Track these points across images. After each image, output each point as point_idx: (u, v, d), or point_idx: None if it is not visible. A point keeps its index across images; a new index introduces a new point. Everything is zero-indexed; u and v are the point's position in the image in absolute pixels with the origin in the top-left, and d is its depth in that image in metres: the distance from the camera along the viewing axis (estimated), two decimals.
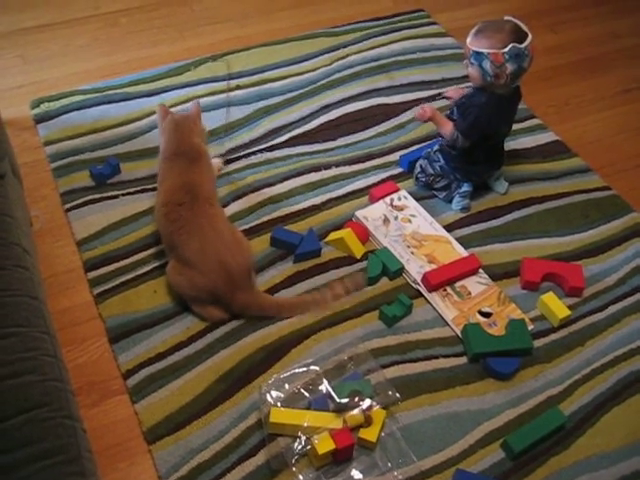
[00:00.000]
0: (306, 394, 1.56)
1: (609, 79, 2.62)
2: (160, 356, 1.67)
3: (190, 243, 1.69)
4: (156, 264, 1.85)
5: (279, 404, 1.53)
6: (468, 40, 1.86)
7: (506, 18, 1.87)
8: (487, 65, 1.83)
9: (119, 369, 1.65)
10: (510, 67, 1.82)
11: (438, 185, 2.05)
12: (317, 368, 1.61)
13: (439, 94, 2.38)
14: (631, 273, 1.95)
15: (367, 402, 1.53)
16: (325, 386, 1.58)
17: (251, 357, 1.68)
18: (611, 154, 2.32)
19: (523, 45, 1.80)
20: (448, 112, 2.02)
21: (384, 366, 1.67)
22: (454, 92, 2.20)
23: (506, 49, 1.80)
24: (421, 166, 2.06)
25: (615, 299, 1.88)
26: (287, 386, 1.57)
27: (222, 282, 1.68)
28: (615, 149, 2.34)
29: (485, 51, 1.82)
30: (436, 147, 2.06)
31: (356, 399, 1.53)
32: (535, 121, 2.37)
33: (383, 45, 2.61)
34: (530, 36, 1.82)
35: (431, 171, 2.04)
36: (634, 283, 1.92)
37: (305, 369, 1.61)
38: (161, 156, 1.88)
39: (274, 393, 1.55)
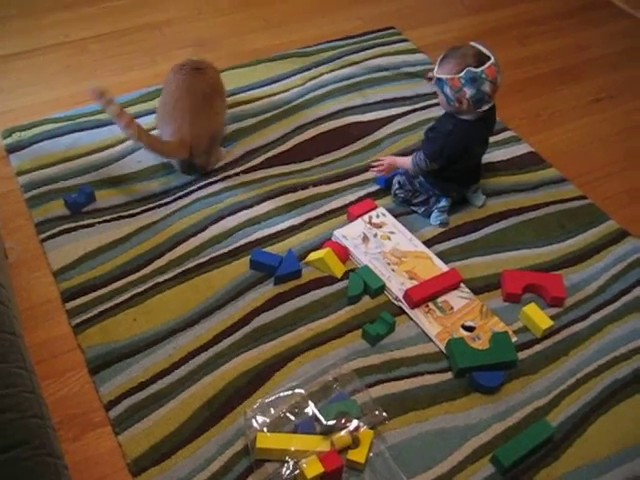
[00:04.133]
0: (292, 418, 1.54)
1: (579, 89, 2.65)
2: (142, 385, 1.65)
3: None
4: (135, 292, 1.83)
5: (265, 429, 1.51)
6: (435, 68, 1.89)
7: (471, 43, 1.87)
8: (447, 90, 1.85)
9: (100, 400, 1.62)
10: (468, 91, 1.82)
11: (417, 200, 2.05)
12: (302, 391, 1.59)
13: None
14: (611, 281, 1.96)
15: (354, 423, 1.52)
16: (311, 409, 1.56)
17: (235, 382, 1.66)
18: (585, 163, 2.34)
19: (479, 69, 1.80)
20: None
21: (369, 385, 1.66)
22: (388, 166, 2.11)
23: (461, 74, 1.81)
24: (399, 182, 2.06)
25: (596, 307, 1.89)
26: (272, 410, 1.55)
27: None
28: (589, 158, 2.36)
29: (444, 77, 1.84)
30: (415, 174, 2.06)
31: (343, 420, 1.52)
32: (509, 133, 2.39)
33: (355, 63, 2.62)
34: (492, 60, 1.82)
35: (409, 187, 2.04)
36: (614, 291, 1.94)
37: (290, 392, 1.59)
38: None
39: (259, 418, 1.52)
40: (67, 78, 2.51)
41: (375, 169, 2.10)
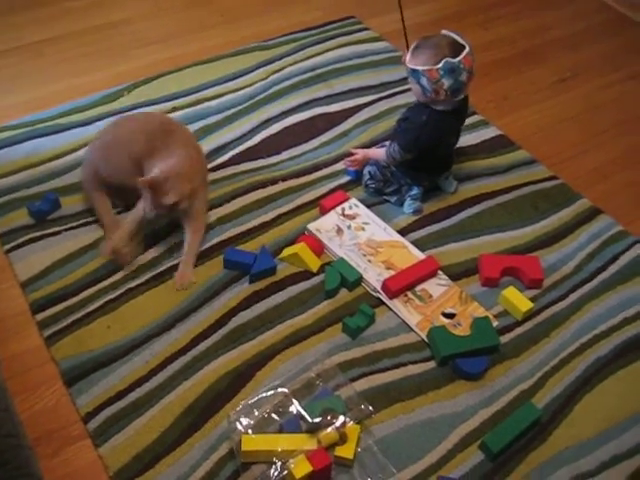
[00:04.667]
0: (276, 417, 1.51)
1: (544, 70, 2.66)
2: (120, 394, 1.60)
3: None
4: (107, 298, 1.78)
5: (250, 431, 1.47)
6: (407, 57, 1.85)
7: (443, 32, 1.86)
8: (424, 82, 1.82)
9: (78, 413, 1.57)
10: (446, 82, 1.80)
11: (388, 190, 2.03)
12: (285, 390, 1.55)
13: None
14: (586, 259, 1.96)
15: (340, 419, 1.49)
16: (295, 407, 1.53)
17: (215, 385, 1.62)
18: (554, 144, 2.34)
19: (457, 59, 1.79)
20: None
21: (353, 379, 1.64)
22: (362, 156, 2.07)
23: (440, 65, 1.79)
24: (370, 172, 2.03)
25: (574, 287, 1.89)
26: (256, 412, 1.51)
27: None
28: (557, 138, 2.36)
29: (420, 68, 1.81)
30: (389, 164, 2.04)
31: (329, 417, 1.49)
32: (477, 117, 2.38)
33: (318, 54, 2.59)
34: (467, 49, 1.81)
35: (381, 177, 2.02)
36: (591, 269, 1.94)
37: (273, 392, 1.55)
38: None
39: (243, 420, 1.49)
40: (23, 83, 2.43)
41: (349, 164, 2.07)
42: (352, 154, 2.08)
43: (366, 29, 2.74)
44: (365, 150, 2.07)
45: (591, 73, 2.66)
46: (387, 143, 2.00)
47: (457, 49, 1.81)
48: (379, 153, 2.01)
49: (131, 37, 2.65)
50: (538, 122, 2.42)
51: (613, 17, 2.99)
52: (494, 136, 2.32)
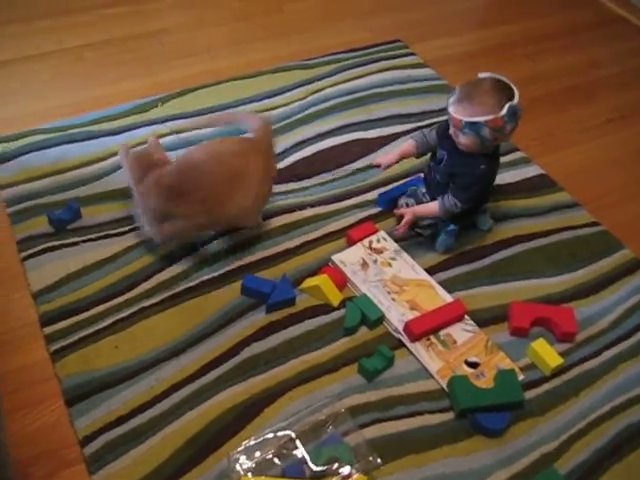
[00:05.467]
0: (278, 462, 1.42)
1: (591, 109, 2.55)
2: (121, 420, 1.53)
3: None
4: (118, 317, 1.72)
5: (249, 474, 1.39)
6: (452, 110, 1.74)
7: (482, 75, 1.77)
8: (486, 132, 1.72)
9: (76, 436, 1.51)
10: (509, 127, 1.73)
11: (423, 223, 1.94)
12: (291, 432, 1.47)
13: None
14: (625, 315, 1.84)
15: (346, 469, 1.40)
16: (300, 451, 1.44)
17: (220, 418, 1.54)
18: (598, 187, 2.23)
19: (516, 101, 1.71)
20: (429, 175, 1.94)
21: (365, 425, 1.55)
22: (381, 159, 2.00)
23: (504, 111, 1.70)
24: (407, 205, 1.95)
25: (609, 344, 1.77)
26: (258, 453, 1.43)
27: None
28: (601, 181, 2.25)
29: (481, 119, 1.71)
30: (423, 188, 1.96)
31: (334, 466, 1.40)
32: (518, 154, 2.28)
33: (359, 77, 2.52)
34: (515, 88, 1.73)
35: None
36: (628, 325, 1.82)
37: (278, 433, 1.47)
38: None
39: (244, 462, 1.41)
40: (59, 87, 2.41)
41: (399, 230, 1.91)
42: (400, 214, 1.94)
43: (412, 54, 2.67)
44: (413, 209, 1.92)
45: None
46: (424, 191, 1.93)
47: (507, 90, 1.73)
48: (429, 208, 1.88)
49: (171, 47, 2.61)
50: (582, 163, 2.31)
51: None
52: (535, 175, 2.22)
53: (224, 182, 1.74)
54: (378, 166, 2.01)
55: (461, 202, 1.81)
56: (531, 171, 2.23)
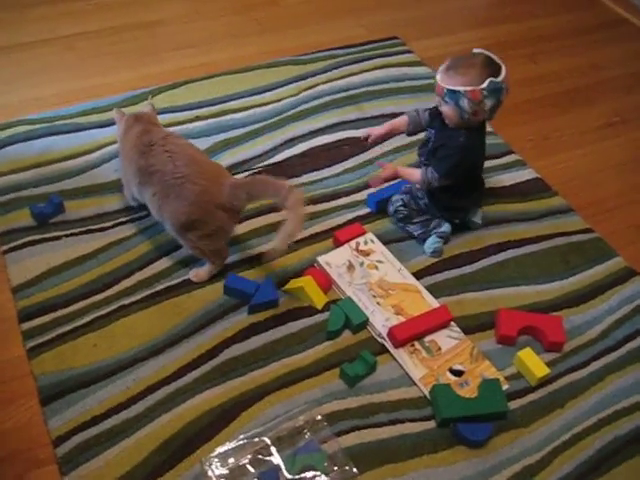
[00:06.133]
0: (252, 469, 1.39)
1: (590, 112, 2.50)
2: (96, 420, 1.50)
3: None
4: (98, 314, 1.69)
5: None
6: (439, 77, 1.74)
7: (475, 51, 1.76)
8: (464, 103, 1.71)
9: (49, 435, 1.48)
10: (489, 103, 1.71)
11: (417, 219, 1.91)
12: (267, 440, 1.44)
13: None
14: (615, 325, 1.80)
15: (322, 478, 1.37)
16: (276, 458, 1.41)
17: (196, 422, 1.51)
18: (593, 193, 2.18)
19: (500, 78, 1.69)
20: (419, 158, 1.92)
21: (343, 432, 1.51)
22: (371, 129, 1.99)
23: (484, 85, 1.68)
24: (403, 200, 1.91)
25: (598, 354, 1.74)
26: (232, 460, 1.40)
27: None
28: (597, 187, 2.21)
29: (461, 89, 1.69)
30: (417, 184, 1.92)
31: (309, 475, 1.37)
32: (513, 157, 2.24)
33: (354, 74, 2.48)
34: (504, 67, 1.71)
35: (414, 206, 1.91)
36: (618, 336, 1.78)
37: (253, 440, 1.44)
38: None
39: (216, 469, 1.38)
40: (48, 77, 2.37)
41: (376, 179, 1.96)
42: (380, 166, 1.97)
43: (408, 52, 2.63)
44: (396, 167, 1.93)
45: None
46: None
47: (494, 67, 1.71)
48: (412, 173, 1.88)
49: (164, 39, 2.57)
50: (578, 167, 2.27)
51: None
52: (530, 179, 2.17)
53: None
54: (366, 138, 1.99)
55: (438, 173, 1.79)
56: (526, 174, 2.18)
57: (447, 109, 1.75)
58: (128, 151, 1.77)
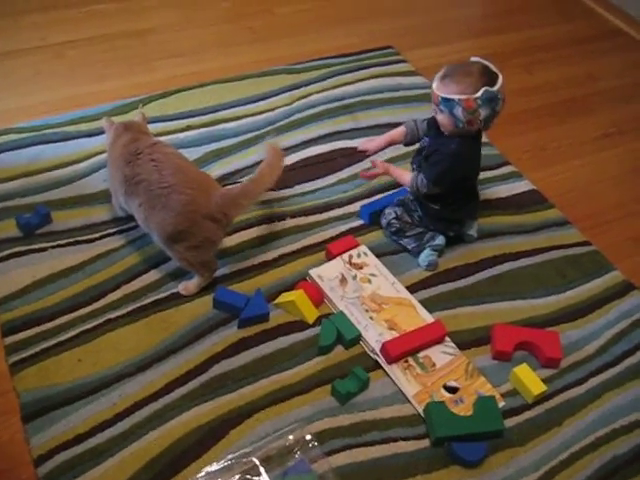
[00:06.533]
0: None
1: (588, 123, 2.47)
2: (79, 438, 1.45)
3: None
4: (83, 328, 1.65)
5: None
6: (434, 86, 1.71)
7: (473, 59, 1.73)
8: (459, 112, 1.68)
9: (30, 454, 1.43)
10: (483, 112, 1.68)
11: (410, 233, 1.87)
12: (255, 460, 1.39)
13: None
14: (613, 340, 1.76)
15: None
16: (264, 478, 1.37)
17: (183, 440, 1.46)
18: (591, 205, 2.15)
19: (496, 88, 1.66)
20: (411, 167, 1.90)
21: (335, 451, 1.47)
22: (369, 144, 1.98)
23: (478, 94, 1.65)
24: (396, 213, 1.88)
25: (596, 370, 1.70)
26: None
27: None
28: (595, 199, 2.17)
29: (456, 97, 1.67)
30: (412, 196, 1.89)
31: None
32: (509, 168, 2.20)
33: (348, 84, 2.44)
34: (501, 77, 1.68)
35: (408, 219, 1.87)
36: (616, 352, 1.74)
37: (242, 460, 1.39)
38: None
39: None
40: (38, 85, 2.34)
41: (367, 173, 1.93)
42: (372, 165, 1.94)
43: (403, 61, 2.60)
44: (388, 165, 1.91)
45: (639, 130, 2.46)
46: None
47: (492, 77, 1.68)
48: (403, 175, 1.86)
49: (155, 47, 2.54)
50: (575, 179, 2.24)
51: None
52: (526, 190, 2.14)
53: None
54: (364, 152, 1.97)
55: (427, 179, 1.77)
56: (522, 186, 2.15)
57: (442, 117, 1.73)
58: (115, 160, 1.74)
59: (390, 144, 1.96)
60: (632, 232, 2.08)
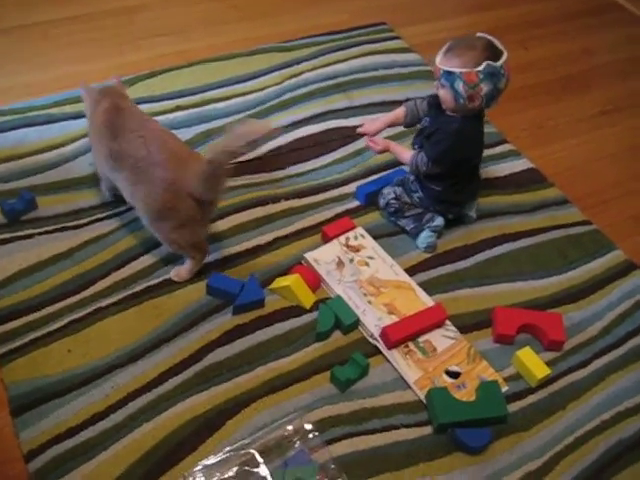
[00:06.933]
0: None
1: (585, 100, 2.43)
2: (71, 432, 1.41)
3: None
4: (72, 317, 1.59)
5: None
6: (438, 59, 1.67)
7: (478, 34, 1.68)
8: (459, 86, 1.63)
9: (20, 449, 1.38)
10: (485, 87, 1.63)
11: (409, 213, 1.82)
12: (254, 452, 1.35)
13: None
14: (616, 321, 1.73)
15: None
16: (263, 470, 1.32)
17: (178, 432, 1.42)
18: (590, 183, 2.11)
19: (498, 63, 1.62)
20: (413, 147, 1.85)
21: (335, 439, 1.43)
22: (368, 126, 1.93)
23: (480, 67, 1.61)
24: (395, 193, 1.83)
25: (599, 352, 1.66)
26: (217, 474, 1.31)
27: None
28: (594, 177, 2.13)
29: (457, 70, 1.62)
30: (412, 177, 1.84)
31: None
32: (507, 146, 2.16)
33: (340, 61, 2.38)
34: (505, 53, 1.64)
35: (407, 200, 1.82)
36: (619, 333, 1.71)
37: (240, 452, 1.35)
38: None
39: None
40: (22, 65, 2.27)
41: (371, 143, 1.88)
42: (371, 142, 1.89)
43: (397, 38, 2.53)
44: (389, 142, 1.87)
45: (636, 108, 2.42)
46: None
47: (495, 52, 1.64)
48: (403, 152, 1.82)
49: (142, 26, 2.46)
50: (574, 157, 2.19)
51: None
52: (524, 169, 2.09)
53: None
54: (364, 134, 1.92)
55: (428, 158, 1.73)
56: (520, 165, 2.10)
57: (443, 92, 1.68)
58: (98, 129, 1.67)
59: (390, 125, 1.91)
60: (632, 211, 2.05)
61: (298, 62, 2.35)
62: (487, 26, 2.66)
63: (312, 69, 2.33)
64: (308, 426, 1.41)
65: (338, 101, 2.23)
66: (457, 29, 2.62)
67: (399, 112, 1.88)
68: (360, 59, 2.40)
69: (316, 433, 1.40)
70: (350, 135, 2.09)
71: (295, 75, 2.30)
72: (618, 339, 1.70)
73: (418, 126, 1.86)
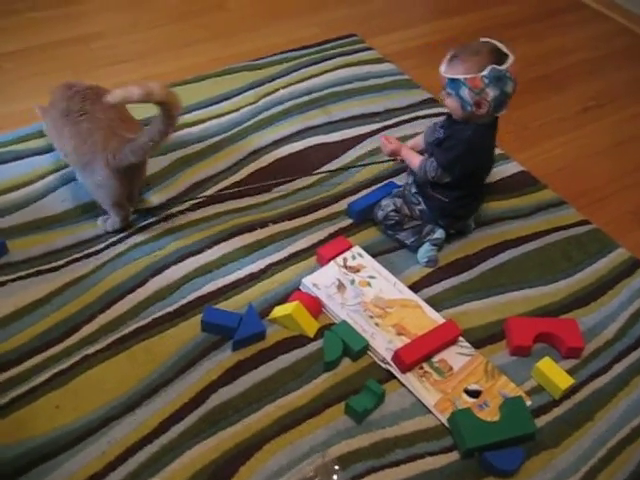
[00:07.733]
0: None
1: (566, 98, 2.39)
2: None
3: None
4: (58, 369, 1.46)
5: None
6: (442, 68, 1.61)
7: (483, 40, 1.62)
8: (465, 93, 1.57)
9: None
10: (491, 92, 1.56)
11: (409, 225, 1.74)
12: None
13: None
14: (631, 321, 1.67)
15: None
16: None
17: None
18: (583, 182, 2.06)
19: (504, 67, 1.55)
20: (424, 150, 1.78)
21: (359, 476, 1.33)
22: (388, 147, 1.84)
23: (484, 72, 1.54)
24: (395, 204, 1.75)
25: (618, 355, 1.60)
26: None
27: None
28: (586, 175, 2.09)
29: (461, 77, 1.56)
30: (414, 188, 1.76)
31: None
32: (495, 150, 2.08)
33: (315, 76, 2.30)
34: (511, 57, 1.57)
35: (407, 212, 1.74)
36: (636, 333, 1.65)
37: None
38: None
39: None
40: None
41: (384, 140, 1.82)
42: (386, 138, 1.83)
43: (369, 49, 2.46)
44: (401, 145, 1.80)
45: (617, 102, 2.40)
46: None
47: (501, 57, 1.57)
48: (413, 157, 1.75)
49: (102, 53, 2.34)
50: (563, 156, 2.14)
51: (637, 42, 2.74)
52: (515, 172, 2.04)
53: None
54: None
55: (439, 164, 1.66)
56: (511, 168, 2.05)
57: (450, 101, 1.62)
58: (55, 109, 1.74)
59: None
60: (629, 206, 2.00)
61: (271, 79, 2.26)
62: (460, 30, 2.64)
63: (286, 85, 2.24)
64: (330, 465, 1.30)
65: (316, 117, 2.15)
66: (428, 36, 2.58)
67: (418, 138, 1.83)
68: (334, 72, 2.32)
69: (337, 469, 1.29)
70: (332, 150, 2.00)
71: (270, 93, 2.21)
72: (635, 340, 1.64)
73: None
